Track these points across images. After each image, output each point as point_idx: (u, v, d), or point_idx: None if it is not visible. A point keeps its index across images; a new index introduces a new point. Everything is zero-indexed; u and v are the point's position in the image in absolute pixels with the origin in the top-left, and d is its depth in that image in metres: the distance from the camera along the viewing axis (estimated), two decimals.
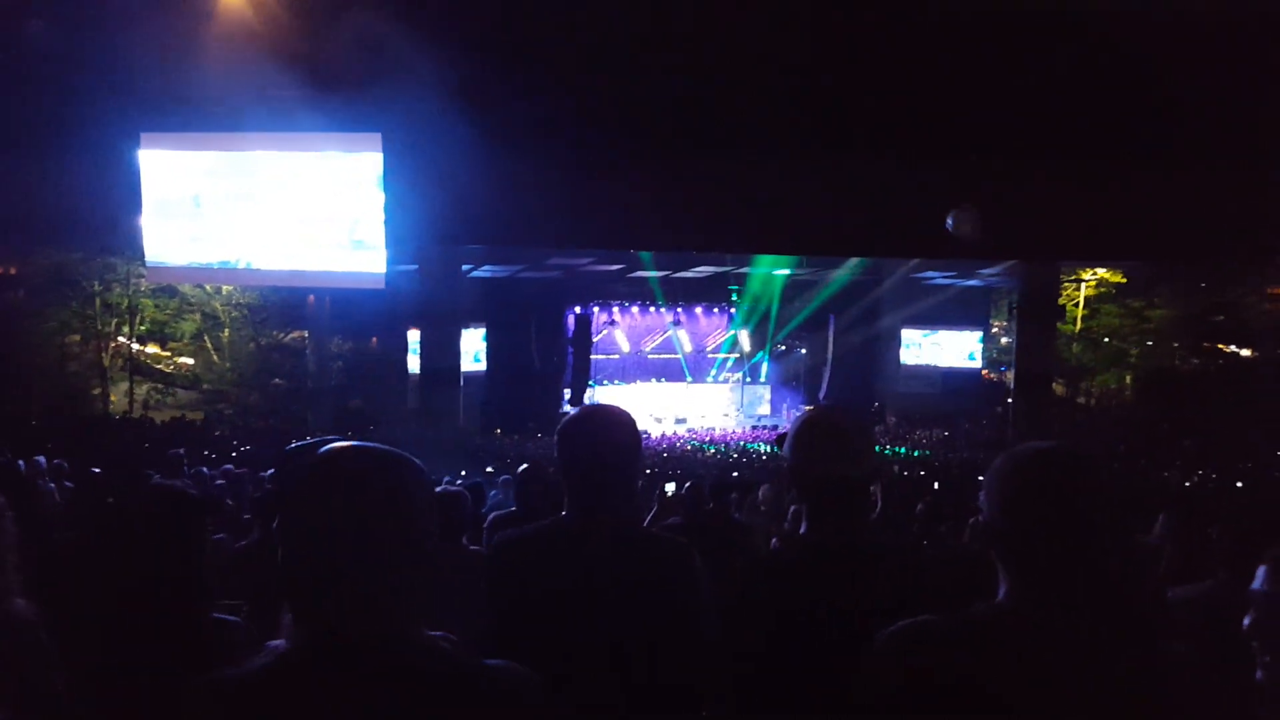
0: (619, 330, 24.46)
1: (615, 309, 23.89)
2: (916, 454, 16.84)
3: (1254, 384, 20.55)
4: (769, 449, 17.94)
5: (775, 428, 22.94)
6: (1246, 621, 1.56)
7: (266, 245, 11.77)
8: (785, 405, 24.90)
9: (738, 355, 25.58)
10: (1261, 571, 1.53)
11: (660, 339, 25.18)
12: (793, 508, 5.33)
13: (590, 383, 22.18)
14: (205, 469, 8.56)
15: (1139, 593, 3.00)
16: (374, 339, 20.71)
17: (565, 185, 11.34)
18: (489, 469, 10.29)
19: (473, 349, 20.21)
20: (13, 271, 19.70)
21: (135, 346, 21.20)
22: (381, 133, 11.27)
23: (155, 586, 1.82)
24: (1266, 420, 17.10)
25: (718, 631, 1.78)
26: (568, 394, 22.18)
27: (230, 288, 19.58)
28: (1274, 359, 21.43)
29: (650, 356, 25.12)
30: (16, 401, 17.10)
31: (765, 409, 25.30)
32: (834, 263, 20.42)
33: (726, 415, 24.82)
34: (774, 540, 4.77)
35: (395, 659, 1.13)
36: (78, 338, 20.74)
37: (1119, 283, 22.98)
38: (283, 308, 20.44)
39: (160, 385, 21.93)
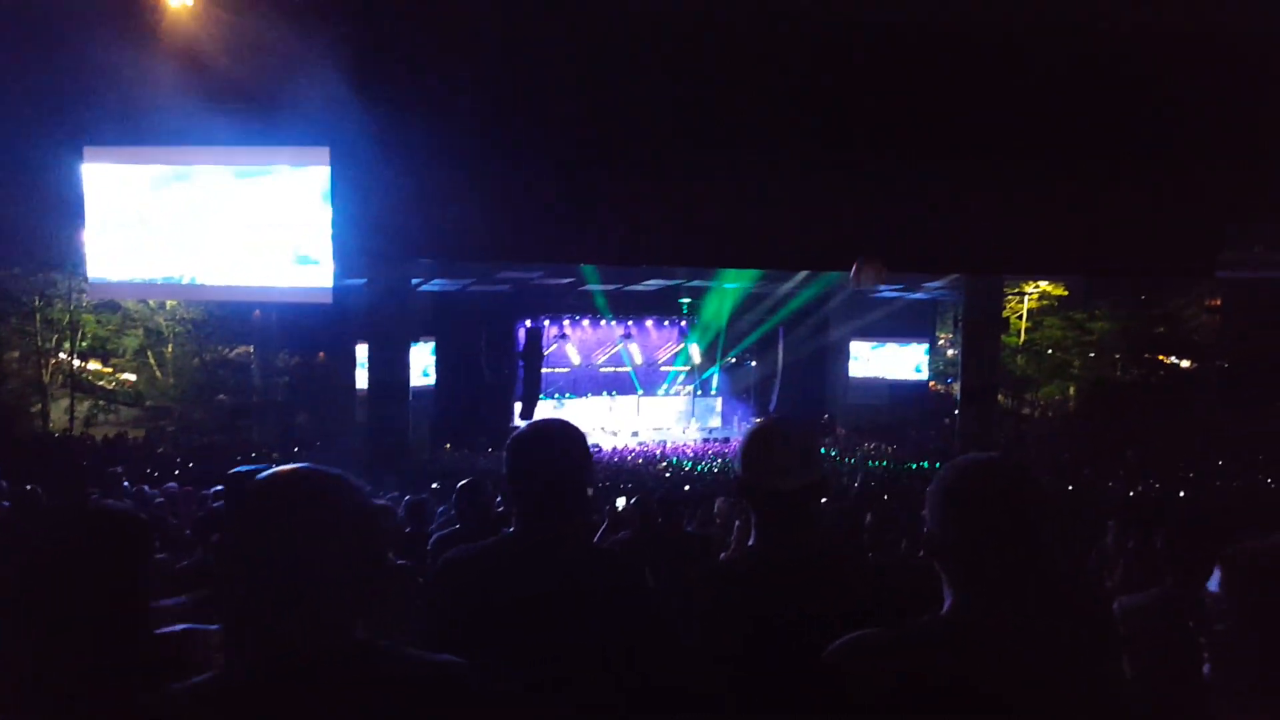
0: (570, 344, 24.45)
1: (566, 322, 23.90)
2: (870, 464, 17.05)
3: (1194, 394, 21.17)
4: (721, 462, 18.04)
5: (726, 440, 23.08)
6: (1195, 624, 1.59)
7: (211, 260, 11.63)
8: (736, 417, 25.07)
9: (689, 368, 25.72)
10: (1216, 572, 1.57)
11: (611, 352, 25.22)
12: (737, 521, 5.37)
13: (541, 396, 22.11)
14: (146, 487, 8.41)
15: (1085, 601, 3.01)
16: (321, 354, 20.45)
17: (515, 199, 11.35)
18: (434, 485, 10.21)
19: (422, 364, 20.06)
20: None
21: (76, 363, 20.69)
22: (329, 146, 11.22)
23: (96, 608, 1.80)
24: (1206, 430, 17.63)
25: (671, 646, 1.77)
26: (519, 408, 22.07)
27: (174, 303, 19.24)
28: (1213, 369, 22.05)
29: (602, 370, 25.15)
30: None
31: (716, 421, 25.46)
32: (784, 277, 20.65)
33: (678, 428, 24.92)
34: (723, 553, 4.81)
35: (349, 670, 1.19)
36: (16, 354, 20.19)
37: (1060, 295, 23.55)
38: (228, 323, 20.09)
39: (102, 402, 21.42)
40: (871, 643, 1.39)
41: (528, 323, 22.39)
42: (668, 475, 15.42)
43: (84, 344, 20.77)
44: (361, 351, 17.80)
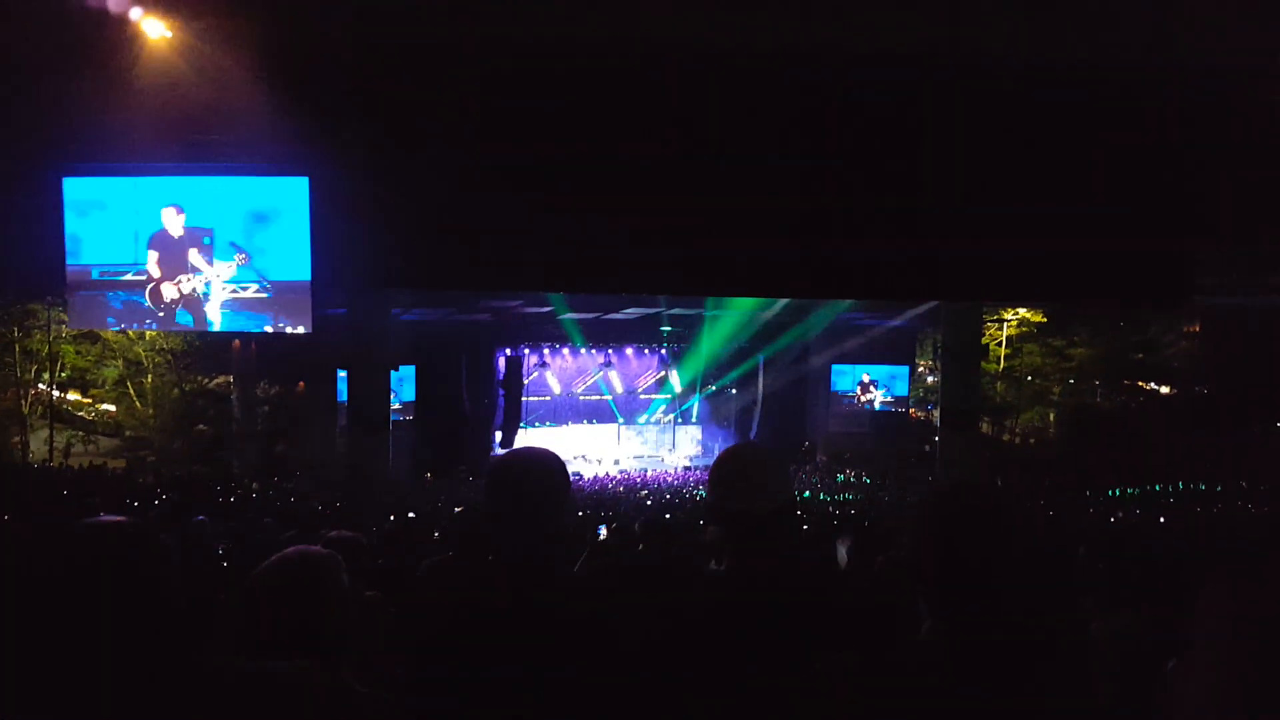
0: (550, 372, 24.47)
1: (546, 351, 23.94)
2: (847, 496, 17.06)
3: (1173, 420, 21.28)
4: (703, 490, 18.02)
5: (707, 468, 23.02)
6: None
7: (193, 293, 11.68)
8: (717, 446, 25.08)
9: (669, 396, 25.74)
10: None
11: (591, 380, 25.24)
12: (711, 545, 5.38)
13: (521, 424, 22.09)
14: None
15: (1060, 627, 3.04)
16: (301, 384, 20.39)
17: (495, 229, 11.41)
18: (410, 515, 10.17)
19: (402, 392, 20.04)
20: None
21: (56, 394, 20.58)
22: (309, 177, 11.29)
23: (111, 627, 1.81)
24: (1186, 456, 17.70)
25: (649, 672, 1.76)
26: (499, 436, 22.05)
27: (153, 333, 19.19)
28: (1192, 396, 22.20)
29: (582, 398, 25.16)
30: None
31: (697, 450, 25.45)
32: (766, 305, 20.77)
33: (658, 456, 24.91)
34: (700, 578, 4.80)
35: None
36: None
37: (1040, 322, 23.73)
38: (208, 353, 20.04)
39: (81, 433, 21.28)
40: (845, 666, 1.40)
41: (508, 351, 22.43)
42: (649, 503, 15.39)
43: (63, 375, 20.69)
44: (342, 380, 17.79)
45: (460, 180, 11.11)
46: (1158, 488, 15.62)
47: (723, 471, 1.86)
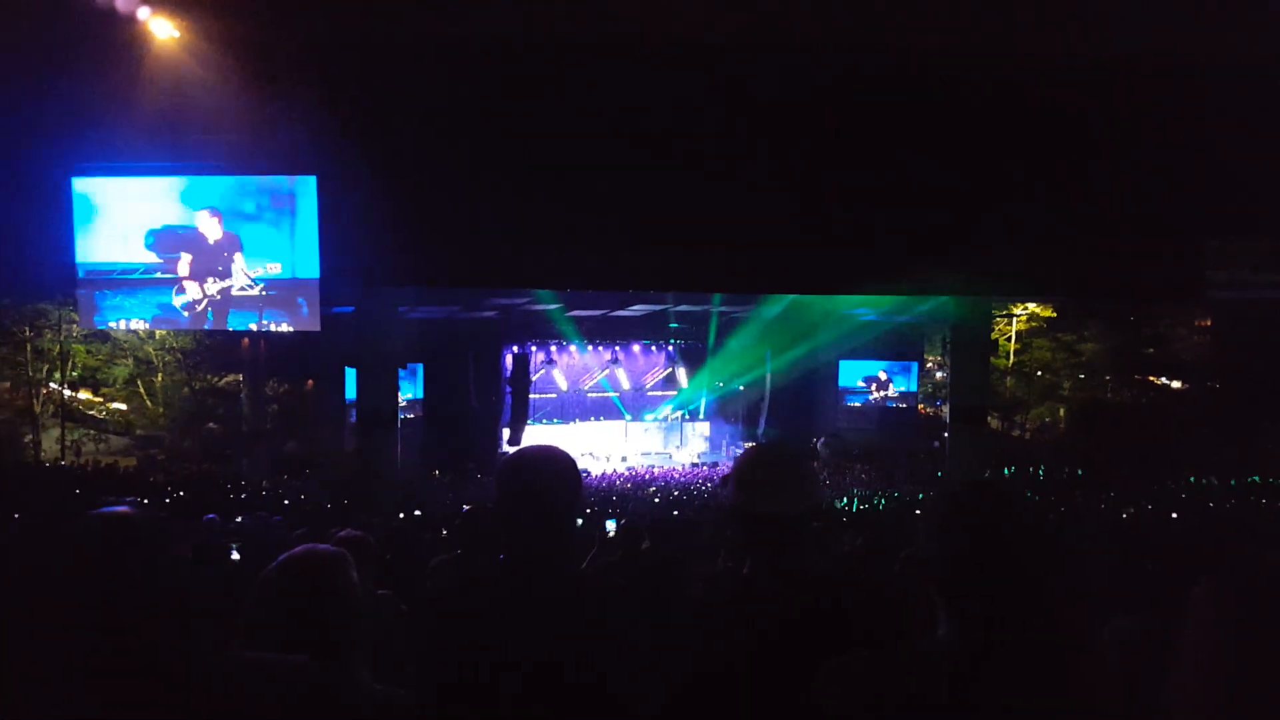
0: (557, 369, 24.48)
1: (553, 348, 23.94)
2: (855, 491, 17.03)
3: (1185, 415, 21.16)
4: (710, 487, 18.01)
5: (715, 465, 23.03)
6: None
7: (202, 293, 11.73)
8: (725, 442, 25.04)
9: (676, 392, 25.72)
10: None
11: (598, 377, 25.24)
12: (725, 546, 5.36)
13: (529, 421, 22.09)
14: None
15: (1076, 626, 3.06)
16: (310, 382, 20.46)
17: (500, 227, 11.43)
18: (417, 513, 10.20)
19: (409, 390, 20.08)
20: None
21: (67, 392, 20.68)
22: (316, 176, 11.31)
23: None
24: (1198, 451, 17.61)
25: (661, 673, 1.76)
26: (506, 434, 22.07)
27: (163, 332, 19.27)
28: (1203, 390, 22.07)
29: (589, 395, 25.16)
30: None
31: (704, 446, 25.42)
32: (773, 300, 20.73)
33: (666, 453, 24.89)
34: (711, 578, 4.79)
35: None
36: (7, 385, 20.21)
37: (1050, 317, 23.61)
38: (217, 351, 20.13)
39: (92, 431, 21.39)
40: (862, 666, 1.39)
41: (515, 349, 22.43)
42: (656, 500, 15.38)
43: (74, 374, 20.80)
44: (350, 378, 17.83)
45: (465, 178, 11.13)
46: (1170, 484, 15.53)
47: (750, 472, 1.84)
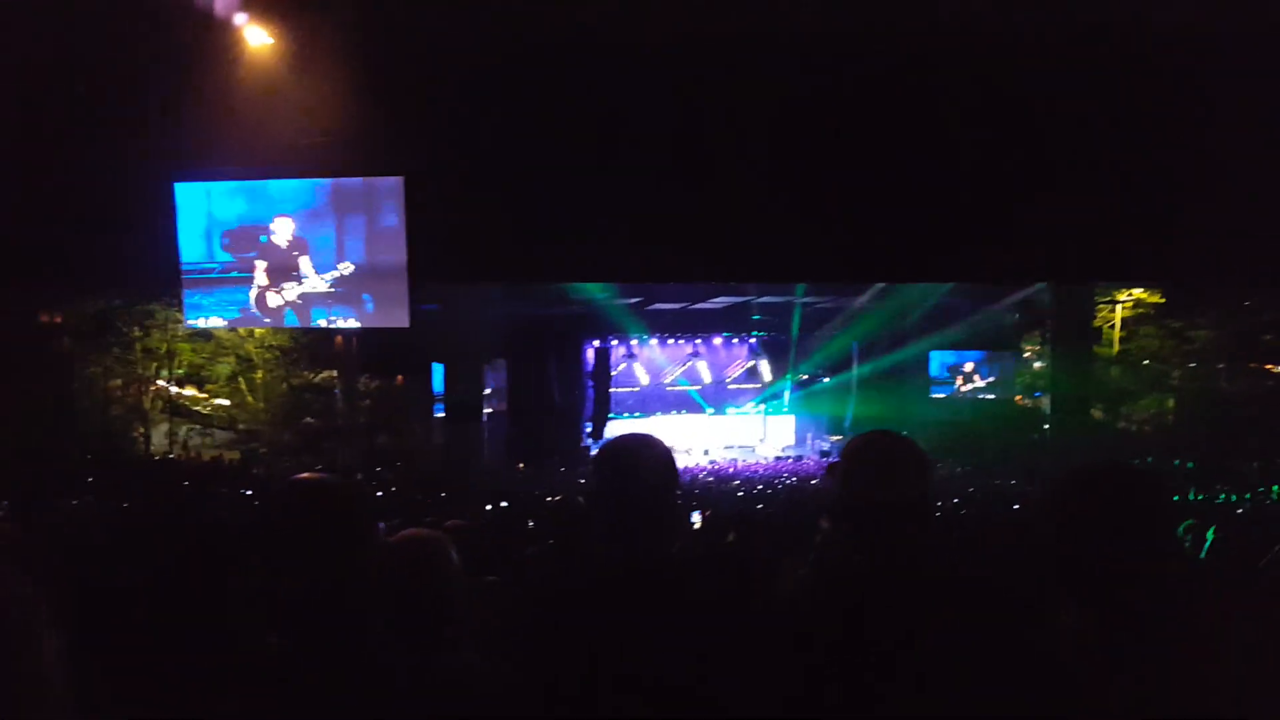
0: (638, 363, 24.51)
1: (634, 342, 23.97)
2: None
3: None
4: (795, 481, 17.77)
5: (799, 459, 22.71)
6: None
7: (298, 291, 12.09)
8: (809, 435, 24.67)
9: (759, 385, 25.44)
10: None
11: (680, 371, 25.17)
12: (819, 536, 5.25)
13: (611, 415, 22.18)
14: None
15: (1200, 614, 2.98)
16: (400, 377, 20.97)
17: (584, 220, 11.46)
18: (503, 504, 10.33)
19: (495, 385, 20.42)
20: (58, 320, 20.34)
21: (174, 389, 21.68)
22: (404, 176, 11.50)
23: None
24: None
25: (764, 665, 1.74)
26: (588, 428, 22.20)
27: (263, 331, 20.00)
28: None
29: (670, 389, 25.10)
30: (65, 445, 17.56)
31: (789, 439, 25.08)
32: (858, 290, 20.35)
33: (749, 446, 24.67)
34: (814, 570, 4.70)
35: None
36: (119, 382, 21.28)
37: (1157, 303, 22.51)
38: (313, 348, 20.83)
39: (198, 426, 22.37)
40: (975, 655, 1.37)
41: (596, 343, 22.53)
42: (740, 494, 15.25)
43: (180, 371, 21.78)
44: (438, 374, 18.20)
45: (550, 174, 11.18)
46: None
47: (859, 460, 1.79)
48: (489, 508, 10.24)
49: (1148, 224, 10.96)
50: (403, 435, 20.33)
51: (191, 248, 12.09)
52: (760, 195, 10.92)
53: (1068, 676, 1.30)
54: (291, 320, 12.30)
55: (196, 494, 11.55)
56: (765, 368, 25.11)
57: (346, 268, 11.91)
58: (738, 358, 25.50)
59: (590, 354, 22.49)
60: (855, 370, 23.42)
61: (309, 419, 21.31)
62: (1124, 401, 23.98)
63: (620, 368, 23.83)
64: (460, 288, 14.70)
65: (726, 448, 24.19)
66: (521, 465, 19.44)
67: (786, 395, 25.30)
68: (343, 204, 11.96)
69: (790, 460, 22.54)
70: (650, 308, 21.44)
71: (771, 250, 11.84)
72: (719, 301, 21.36)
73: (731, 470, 20.23)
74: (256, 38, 10.46)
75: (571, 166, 11.08)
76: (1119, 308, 23.08)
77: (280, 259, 12.01)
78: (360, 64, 10.17)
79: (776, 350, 24.66)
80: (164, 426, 21.39)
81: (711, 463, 22.17)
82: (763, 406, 25.53)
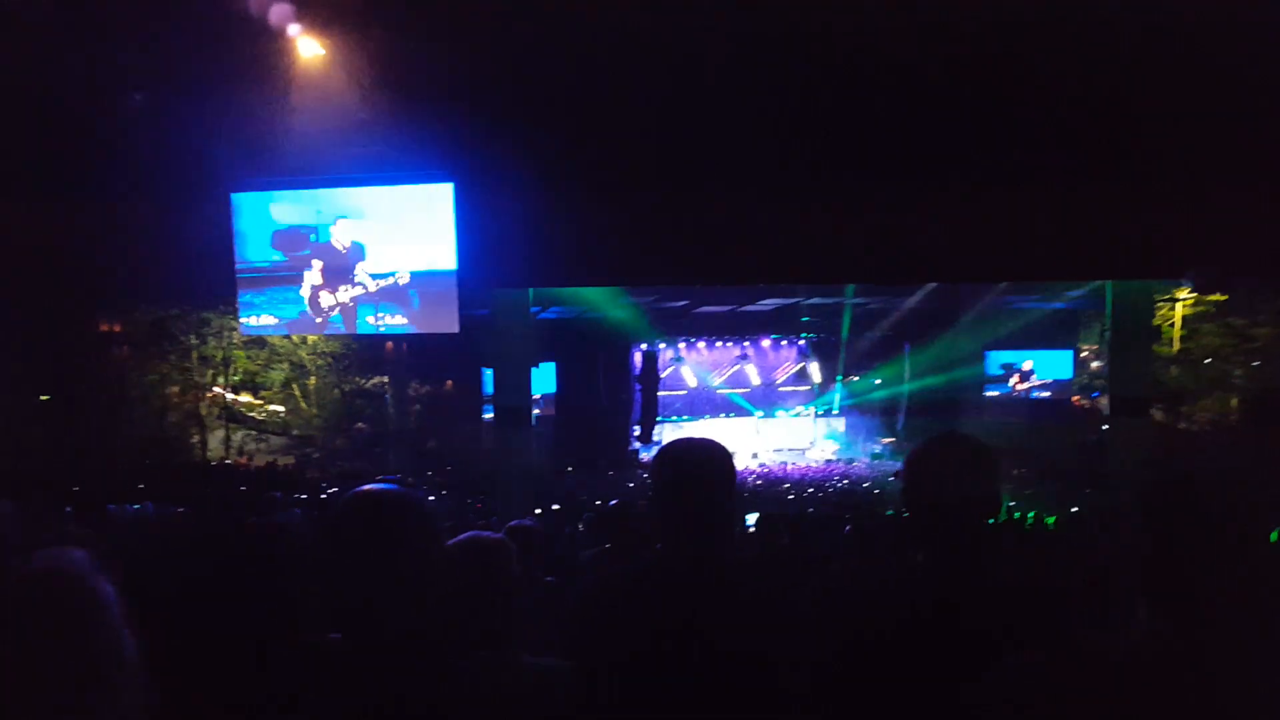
0: (686, 366, 24.40)
1: (681, 345, 23.87)
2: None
3: None
4: (847, 484, 17.58)
5: (851, 461, 22.45)
6: None
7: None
8: (860, 438, 24.35)
9: (808, 388, 25.18)
10: None
11: (728, 373, 25.01)
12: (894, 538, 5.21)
13: (659, 419, 22.11)
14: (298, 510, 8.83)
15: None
16: (449, 382, 21.17)
17: (635, 224, 11.47)
18: (555, 506, 10.36)
19: (542, 388, 20.48)
20: (116, 328, 20.89)
21: (230, 396, 22.11)
22: (454, 182, 11.58)
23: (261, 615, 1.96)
24: None
25: (826, 663, 1.76)
26: (636, 431, 22.17)
27: (315, 338, 20.31)
28: None
29: (719, 391, 24.95)
30: (123, 451, 18.02)
31: (839, 444, 24.80)
32: (907, 291, 20.07)
33: (799, 449, 24.42)
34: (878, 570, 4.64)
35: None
36: (176, 389, 21.77)
37: (1218, 300, 21.87)
38: (364, 354, 21.15)
39: (253, 432, 22.80)
40: (1049, 663, 1.34)
41: (644, 346, 22.49)
42: (790, 497, 15.12)
43: (236, 378, 22.21)
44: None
45: (598, 179, 11.18)
46: None
47: (926, 462, 1.81)
48: (538, 511, 10.28)
49: (1207, 219, 10.66)
50: (452, 439, 20.52)
51: (246, 247, 12.29)
52: (811, 196, 10.83)
53: (1143, 682, 1.26)
54: (336, 324, 12.42)
55: (253, 499, 11.73)
56: (815, 370, 24.84)
57: (403, 277, 12.02)
58: (787, 360, 25.27)
59: (638, 357, 22.47)
60: (907, 371, 23.09)
61: (360, 424, 21.64)
62: (1185, 401, 23.35)
63: (668, 371, 23.75)
64: (508, 292, 14.77)
65: (776, 450, 23.99)
66: (570, 469, 19.50)
67: (837, 397, 25.02)
68: (394, 210, 12.07)
69: (841, 463, 22.28)
70: (698, 310, 21.37)
71: (823, 251, 11.73)
72: (768, 304, 21.22)
73: (781, 473, 20.06)
74: (309, 49, 10.61)
75: (621, 171, 11.09)
76: (1179, 305, 22.49)
77: (337, 261, 12.16)
78: (410, 72, 10.27)
79: (826, 352, 24.40)
80: (220, 433, 21.82)
81: (761, 466, 22.00)
82: (812, 409, 25.26)
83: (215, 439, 21.80)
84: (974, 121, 10.35)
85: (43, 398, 16.83)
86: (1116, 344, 16.32)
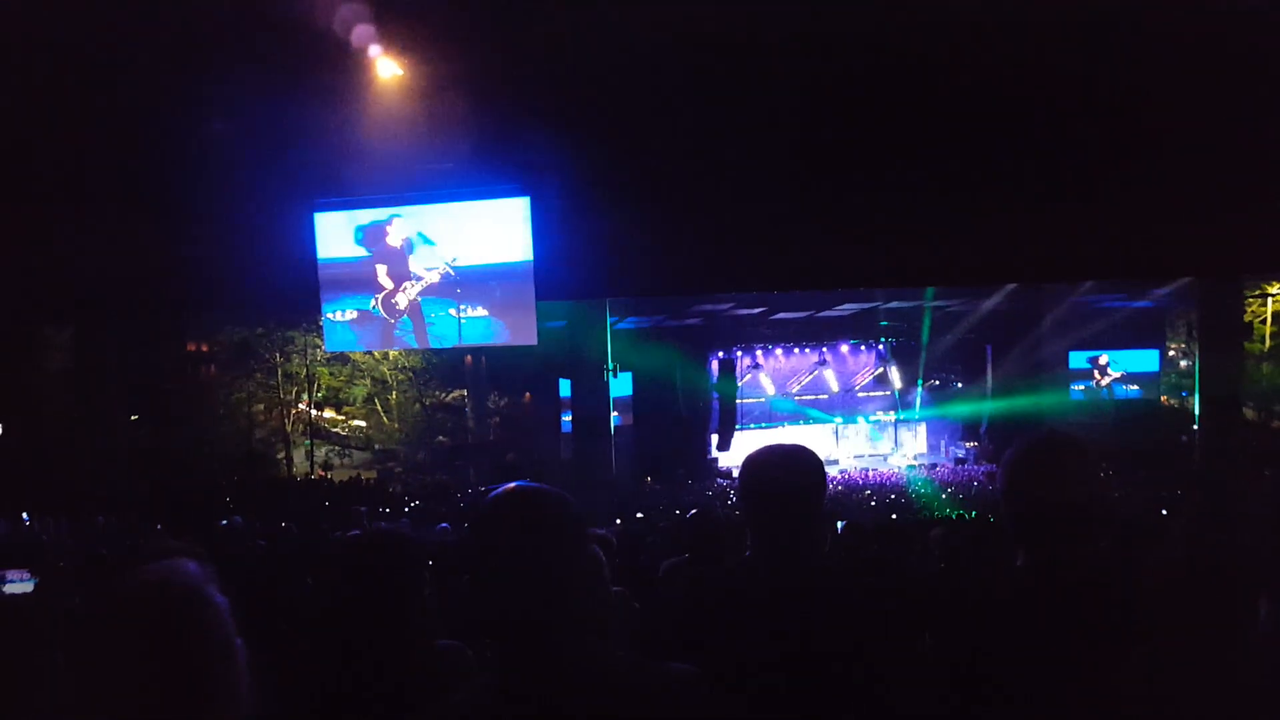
0: (763, 373, 24.22)
1: (759, 352, 23.71)
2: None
3: None
4: (932, 489, 17.25)
5: (934, 466, 22.00)
6: None
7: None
8: (943, 442, 23.85)
9: (888, 392, 24.75)
10: None
11: (806, 380, 24.74)
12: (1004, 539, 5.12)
13: (737, 427, 21.99)
14: (381, 524, 9.07)
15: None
16: (527, 395, 21.41)
17: (710, 233, 11.48)
18: (638, 515, 10.40)
19: (620, 399, 20.58)
20: (204, 348, 21.67)
21: (314, 412, 22.73)
22: (529, 197, 11.75)
23: (376, 623, 1.97)
24: None
25: (925, 665, 1.75)
26: (715, 440, 22.08)
27: (396, 353, 20.76)
28: None
29: (797, 398, 24.70)
30: (212, 467, 18.63)
31: (921, 447, 24.29)
32: (986, 292, 19.68)
33: (880, 455, 24.01)
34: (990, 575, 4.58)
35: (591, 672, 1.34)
36: (262, 406, 22.47)
37: None
38: (444, 369, 21.52)
39: (337, 447, 23.39)
40: (1156, 661, 1.34)
41: (720, 354, 22.42)
42: (873, 504, 14.92)
43: (319, 395, 22.82)
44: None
45: (673, 189, 11.25)
46: None
47: (1024, 462, 1.77)
48: (618, 521, 10.34)
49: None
50: (531, 451, 20.74)
51: (329, 245, 12.56)
52: (889, 200, 10.72)
53: (1262, 682, 1.25)
54: (406, 328, 12.58)
55: (340, 511, 12.03)
56: (895, 374, 24.37)
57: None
58: (866, 365, 24.87)
59: (715, 365, 22.41)
60: (990, 373, 22.57)
61: (441, 438, 22.01)
62: (1277, 400, 22.43)
63: (746, 378, 23.62)
64: (586, 303, 14.93)
65: (856, 457, 23.64)
66: (649, 478, 19.53)
67: (918, 401, 24.54)
68: (470, 222, 12.28)
69: (924, 469, 21.85)
70: (775, 317, 21.24)
71: (903, 255, 11.60)
72: (845, 309, 21.00)
73: (862, 480, 19.80)
74: (388, 70, 10.89)
75: (693, 180, 11.14)
76: (1270, 301, 21.66)
77: (396, 260, 12.43)
78: (486, 91, 10.46)
79: (906, 356, 23.95)
80: (305, 448, 22.43)
81: (842, 472, 21.70)
82: (893, 414, 24.82)
83: (300, 454, 22.42)
84: (1060, 123, 10.14)
85: (133, 418, 17.42)
86: (1206, 343, 15.80)
